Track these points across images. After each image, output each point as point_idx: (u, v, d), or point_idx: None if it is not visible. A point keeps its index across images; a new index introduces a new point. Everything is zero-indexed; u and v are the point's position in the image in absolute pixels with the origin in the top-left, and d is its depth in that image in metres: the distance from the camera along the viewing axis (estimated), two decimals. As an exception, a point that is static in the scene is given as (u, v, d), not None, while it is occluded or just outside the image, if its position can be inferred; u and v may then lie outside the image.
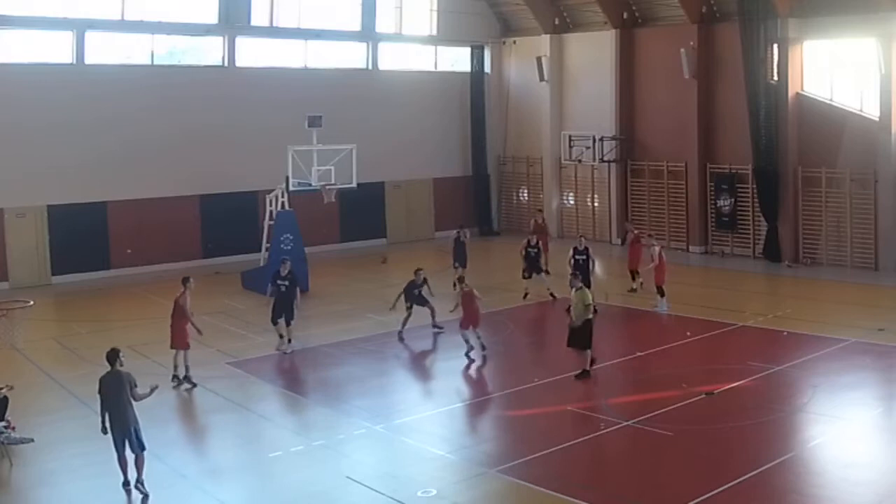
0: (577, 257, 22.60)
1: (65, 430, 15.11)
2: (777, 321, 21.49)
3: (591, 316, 17.42)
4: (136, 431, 12.55)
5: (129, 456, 12.59)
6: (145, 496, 12.58)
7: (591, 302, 17.55)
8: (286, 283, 19.85)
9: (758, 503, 11.94)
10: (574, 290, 17.58)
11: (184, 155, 29.66)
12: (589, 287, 22.48)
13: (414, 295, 20.92)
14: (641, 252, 24.94)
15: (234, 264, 28.59)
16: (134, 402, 12.55)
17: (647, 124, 32.88)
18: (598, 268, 22.86)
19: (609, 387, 17.24)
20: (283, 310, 19.78)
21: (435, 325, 21.05)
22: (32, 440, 14.32)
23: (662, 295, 22.94)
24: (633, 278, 25.00)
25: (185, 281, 17.81)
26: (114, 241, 28.90)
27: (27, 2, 27.29)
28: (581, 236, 24.73)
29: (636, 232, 25.99)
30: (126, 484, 12.60)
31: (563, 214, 35.50)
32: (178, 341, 17.46)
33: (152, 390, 12.90)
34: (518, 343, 21.09)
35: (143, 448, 12.61)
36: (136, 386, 12.59)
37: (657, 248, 23.23)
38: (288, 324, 19.92)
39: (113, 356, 12.69)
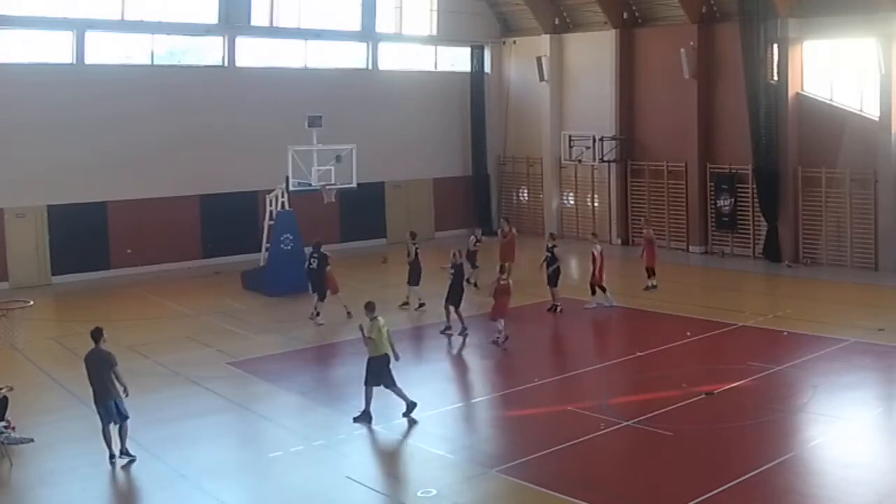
0: (547, 254, 23.09)
1: (65, 430, 15.11)
2: (777, 321, 21.48)
3: (385, 352, 15.29)
4: (118, 404, 13.53)
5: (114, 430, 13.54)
6: (132, 459, 13.51)
7: (376, 335, 15.11)
8: (316, 258, 22.48)
9: (758, 503, 11.94)
10: (370, 318, 15.24)
11: (184, 155, 29.63)
12: (555, 285, 22.84)
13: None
14: (655, 251, 25.37)
15: (234, 264, 28.57)
16: (115, 379, 13.54)
17: (647, 124, 32.86)
18: (554, 268, 22.92)
19: (609, 387, 17.21)
20: (316, 287, 22.38)
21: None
22: (32, 440, 14.34)
23: (604, 291, 23.25)
24: (649, 276, 25.19)
25: (319, 245, 22.67)
26: (114, 241, 28.87)
27: (27, 2, 27.29)
28: (550, 233, 25.63)
29: (650, 231, 26.21)
30: (112, 457, 13.49)
31: (563, 214, 35.49)
32: (332, 287, 22.42)
33: (124, 388, 13.71)
34: (518, 343, 21.04)
35: (125, 417, 13.57)
36: (115, 364, 13.62)
37: (598, 248, 23.51)
38: (322, 299, 22.11)
39: (97, 334, 13.71)
